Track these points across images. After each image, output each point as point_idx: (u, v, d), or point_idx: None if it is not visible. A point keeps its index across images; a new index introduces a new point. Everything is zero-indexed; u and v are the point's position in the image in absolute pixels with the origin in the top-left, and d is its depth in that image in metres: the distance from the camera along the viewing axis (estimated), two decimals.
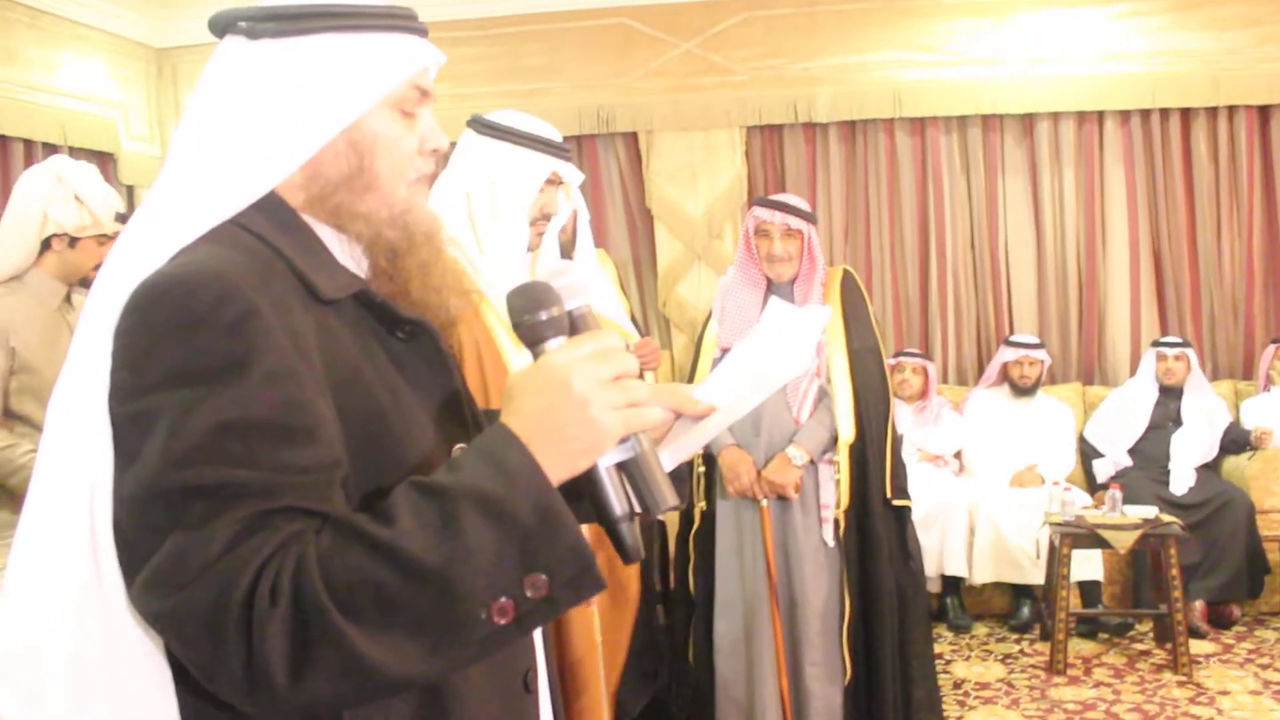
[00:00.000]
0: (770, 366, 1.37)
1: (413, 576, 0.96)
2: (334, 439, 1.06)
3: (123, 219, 3.28)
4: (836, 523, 3.56)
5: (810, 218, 3.65)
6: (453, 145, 2.03)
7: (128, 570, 1.03)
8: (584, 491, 1.09)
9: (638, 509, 1.11)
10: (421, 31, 1.23)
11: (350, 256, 1.21)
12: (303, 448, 1.02)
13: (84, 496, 1.06)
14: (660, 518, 1.41)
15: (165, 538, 0.97)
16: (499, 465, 1.01)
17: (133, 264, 1.08)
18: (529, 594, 0.99)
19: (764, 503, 3.55)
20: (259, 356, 1.01)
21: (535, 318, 1.10)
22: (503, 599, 0.98)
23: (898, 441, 3.75)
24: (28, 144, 5.57)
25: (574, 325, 1.14)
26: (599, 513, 1.10)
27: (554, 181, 2.65)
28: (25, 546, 1.10)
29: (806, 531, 3.58)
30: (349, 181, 1.17)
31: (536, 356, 1.11)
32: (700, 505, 3.72)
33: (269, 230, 1.14)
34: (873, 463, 3.60)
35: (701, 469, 3.69)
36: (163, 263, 1.07)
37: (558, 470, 1.03)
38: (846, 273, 3.75)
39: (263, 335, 1.02)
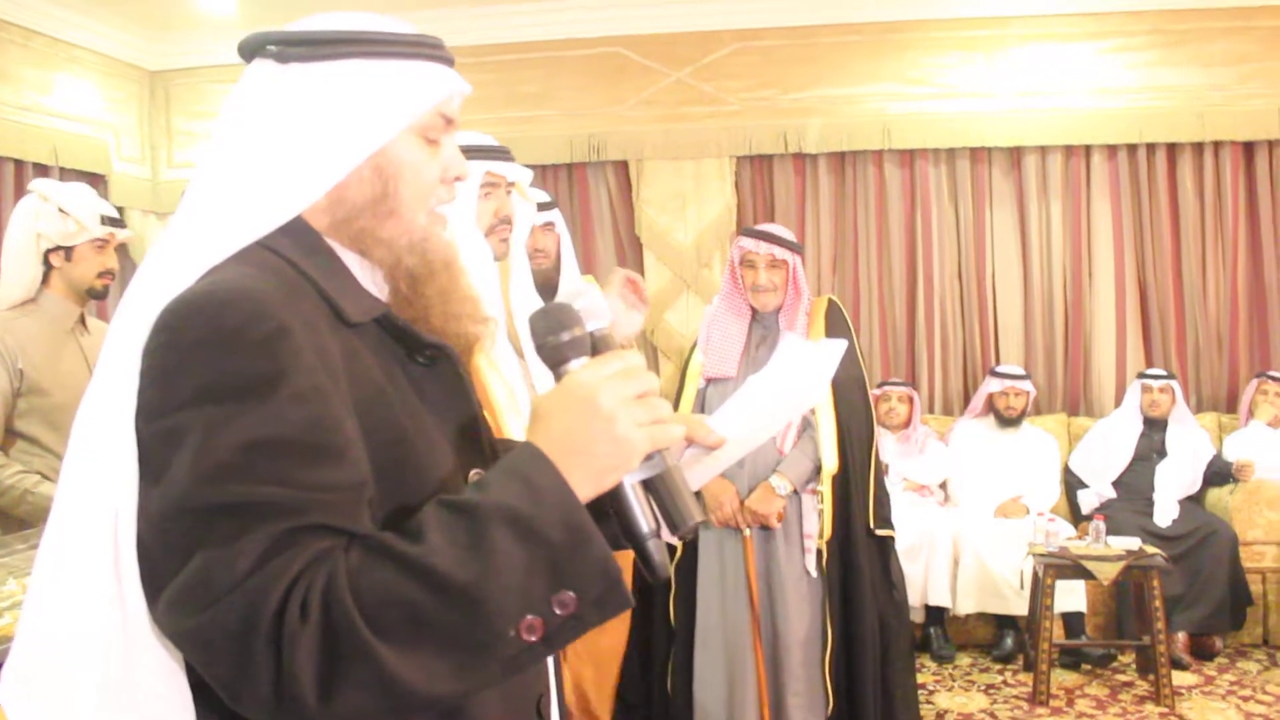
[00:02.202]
0: (784, 400, 1.41)
1: (443, 594, 0.96)
2: (361, 459, 1.06)
3: (111, 222, 3.32)
4: (819, 553, 3.57)
5: (796, 248, 3.68)
6: None
7: (151, 589, 1.02)
8: (608, 511, 1.10)
9: (664, 526, 1.11)
10: (448, 60, 1.24)
11: (372, 281, 1.22)
12: (331, 467, 1.02)
13: (108, 513, 1.06)
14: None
15: (191, 556, 0.97)
16: (528, 483, 1.02)
17: (161, 283, 1.09)
18: (557, 611, 1.00)
19: (747, 532, 3.56)
20: (289, 375, 1.01)
21: (558, 339, 1.13)
22: (531, 617, 0.99)
23: (881, 471, 3.77)
24: (18, 164, 5.58)
25: (595, 346, 1.17)
26: (625, 530, 1.11)
27: (496, 184, 2.62)
28: (48, 563, 1.10)
29: (789, 561, 3.58)
30: (373, 207, 1.18)
31: (559, 377, 1.13)
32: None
33: (296, 253, 1.14)
34: (856, 493, 3.61)
35: None
36: (191, 282, 1.08)
37: (585, 488, 1.04)
38: (831, 303, 3.77)
39: (292, 354, 1.02)
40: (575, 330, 1.13)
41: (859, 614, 3.58)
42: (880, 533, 3.64)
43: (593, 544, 1.01)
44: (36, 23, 5.68)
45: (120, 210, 6.24)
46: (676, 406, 3.85)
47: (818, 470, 3.58)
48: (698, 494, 1.26)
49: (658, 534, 1.11)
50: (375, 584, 0.97)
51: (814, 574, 3.58)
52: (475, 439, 1.26)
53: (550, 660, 1.32)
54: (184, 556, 0.98)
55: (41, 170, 5.67)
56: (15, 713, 1.11)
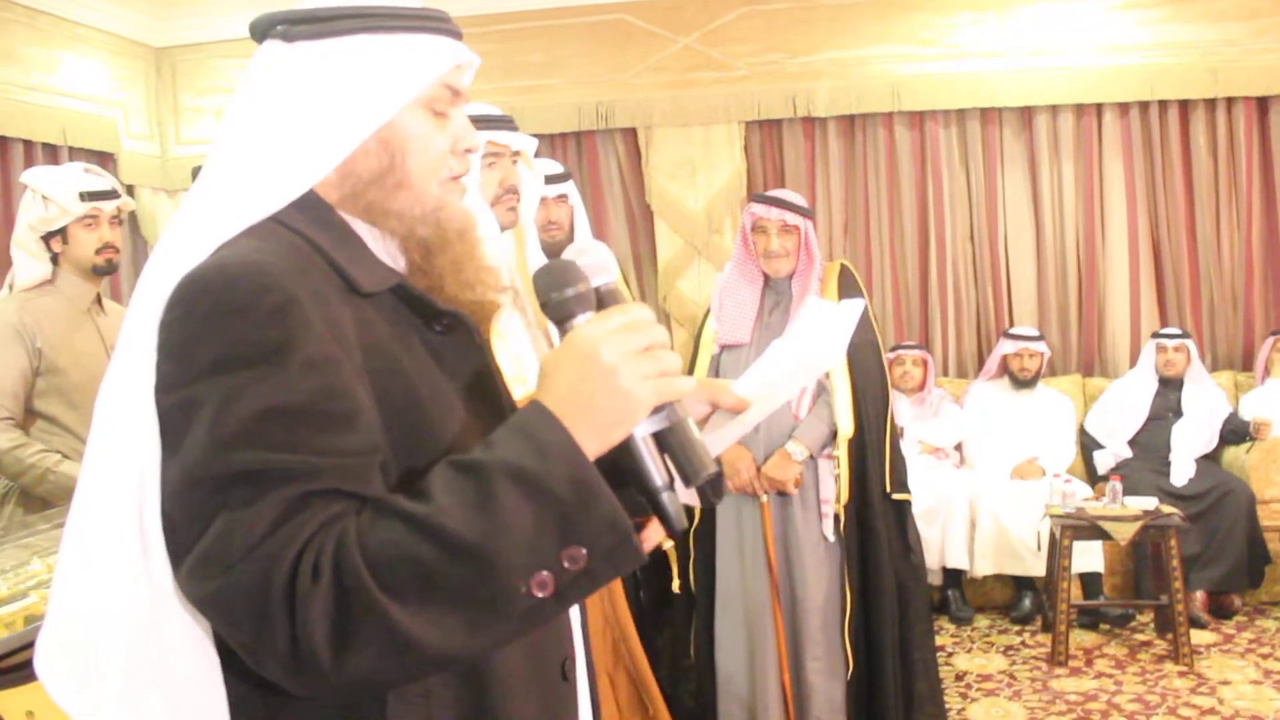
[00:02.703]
0: (805, 361, 1.41)
1: (452, 552, 0.97)
2: (372, 425, 1.07)
3: (96, 196, 3.30)
4: (836, 517, 3.57)
5: (807, 213, 3.66)
6: None
7: (175, 557, 1.05)
8: (623, 466, 1.10)
9: (678, 478, 1.11)
10: (454, 33, 1.25)
11: (386, 252, 1.24)
12: (343, 432, 1.04)
13: (133, 486, 1.09)
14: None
15: (211, 522, 0.99)
16: (533, 440, 1.02)
17: (176, 259, 1.11)
18: (567, 566, 1.00)
19: (764, 499, 3.56)
20: (299, 344, 1.03)
21: (562, 294, 1.12)
22: (542, 573, 1.00)
23: (897, 435, 3.77)
24: (27, 144, 5.59)
25: (601, 301, 1.15)
26: (638, 484, 1.10)
27: (500, 154, 2.61)
28: (76, 536, 1.14)
29: (806, 527, 3.59)
30: (380, 179, 1.19)
31: (565, 334, 1.12)
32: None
33: (308, 226, 1.16)
34: (872, 457, 3.61)
35: None
36: (205, 257, 1.10)
37: (592, 442, 1.04)
38: (844, 267, 3.76)
39: (301, 324, 1.04)
40: (579, 286, 1.12)
41: (877, 578, 3.59)
42: (897, 496, 3.64)
43: (600, 498, 1.02)
44: (41, 2, 5.66)
45: (130, 188, 6.27)
46: (690, 373, 3.84)
47: (834, 435, 3.58)
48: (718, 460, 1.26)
49: (671, 486, 1.11)
50: (385, 544, 0.98)
51: (831, 539, 3.58)
52: (495, 403, 1.27)
53: (578, 626, 1.34)
54: (204, 523, 1.00)
55: (51, 150, 5.67)
56: (51, 685, 1.15)
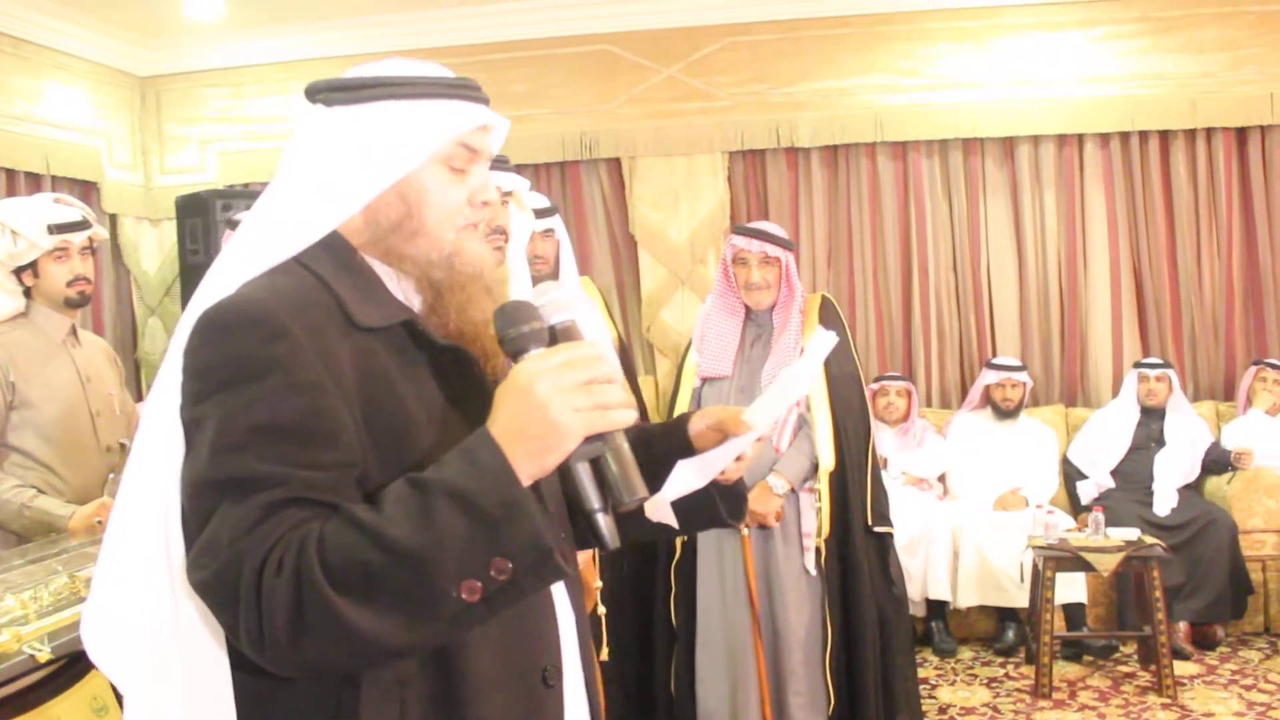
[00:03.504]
0: (794, 385, 1.56)
1: (393, 556, 1.12)
2: (352, 442, 1.23)
3: (65, 228, 3.26)
4: (818, 551, 3.57)
5: (788, 245, 3.67)
6: None
7: (187, 548, 1.23)
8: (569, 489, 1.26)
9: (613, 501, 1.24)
10: (475, 98, 1.39)
11: (402, 291, 1.39)
12: (323, 449, 1.20)
13: (161, 489, 1.28)
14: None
15: (210, 520, 1.17)
16: (473, 461, 1.16)
17: (209, 294, 1.30)
18: (495, 575, 1.13)
19: (745, 532, 3.56)
20: (289, 370, 1.20)
21: (518, 330, 1.25)
22: (471, 580, 1.13)
23: (878, 467, 3.76)
24: (10, 173, 5.59)
25: (555, 338, 1.26)
26: (575, 504, 1.26)
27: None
28: (116, 532, 1.35)
29: (788, 560, 3.58)
30: (399, 227, 1.35)
31: None
32: (682, 537, 3.71)
33: (327, 266, 1.33)
34: (853, 489, 3.61)
35: None
36: (229, 292, 1.28)
37: (528, 467, 1.17)
38: (825, 299, 3.76)
39: (290, 352, 1.21)
40: (533, 324, 1.25)
41: (859, 611, 3.58)
42: (878, 529, 3.64)
43: (526, 518, 1.14)
44: (25, 31, 5.66)
45: (113, 217, 6.25)
46: (673, 405, 3.84)
47: (815, 468, 3.58)
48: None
49: (606, 509, 1.24)
50: (339, 547, 1.13)
51: (813, 572, 3.57)
52: None
53: (573, 636, 1.44)
54: (205, 520, 1.18)
55: (34, 180, 5.66)
56: (96, 654, 1.37)
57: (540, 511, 1.16)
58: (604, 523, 1.24)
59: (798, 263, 3.75)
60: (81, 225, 3.30)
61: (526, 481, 1.16)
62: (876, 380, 5.88)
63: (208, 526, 1.17)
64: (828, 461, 3.56)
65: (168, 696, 1.32)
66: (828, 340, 1.62)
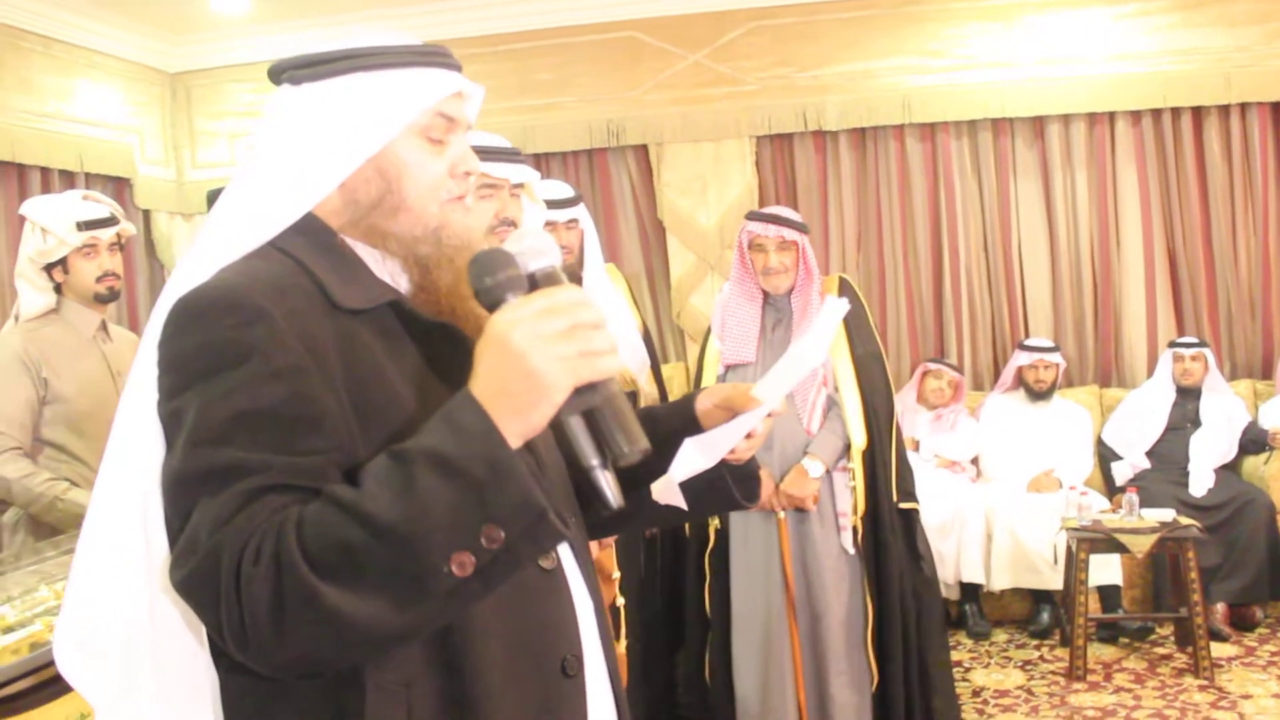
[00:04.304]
0: (806, 356, 1.46)
1: (375, 533, 1.04)
2: (337, 428, 1.16)
3: (94, 225, 3.31)
4: (854, 529, 3.56)
5: (803, 228, 3.66)
6: None
7: (171, 548, 1.15)
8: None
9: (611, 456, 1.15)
10: (448, 65, 1.33)
11: (388, 272, 1.32)
12: (305, 436, 1.13)
13: (139, 488, 1.22)
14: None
15: (190, 515, 1.11)
16: (454, 425, 1.08)
17: (182, 282, 1.23)
18: (486, 545, 1.05)
19: (781, 515, 3.55)
20: (267, 356, 1.14)
21: (494, 278, 1.15)
22: (461, 552, 1.05)
23: (903, 445, 3.76)
24: (44, 171, 5.64)
25: (535, 286, 1.17)
26: (572, 462, 1.17)
27: (496, 186, 2.60)
28: (92, 533, 1.28)
29: (825, 541, 3.57)
30: (379, 204, 1.29)
31: None
32: (714, 524, 3.71)
33: (305, 250, 1.26)
34: (882, 468, 3.61)
35: None
36: (203, 280, 1.21)
37: (515, 425, 1.08)
38: (843, 280, 3.76)
39: (269, 337, 1.14)
40: (509, 271, 1.15)
41: (888, 589, 3.58)
42: (904, 506, 3.62)
43: (513, 478, 1.06)
44: (56, 30, 5.72)
45: (146, 213, 6.32)
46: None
47: (847, 448, 3.58)
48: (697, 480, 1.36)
49: (606, 465, 1.14)
50: (318, 528, 1.06)
51: (851, 551, 3.57)
52: None
53: (593, 624, 1.36)
54: (186, 517, 1.11)
55: (68, 177, 5.72)
56: (68, 672, 1.29)
57: (532, 470, 1.08)
58: (604, 479, 1.14)
59: (814, 246, 3.73)
60: (109, 221, 3.35)
61: (515, 442, 1.08)
62: (932, 361, 5.87)
63: (188, 524, 1.10)
64: (860, 440, 3.56)
65: (143, 711, 1.26)
66: (838, 308, 1.52)
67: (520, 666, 1.25)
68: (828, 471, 3.57)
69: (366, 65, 1.28)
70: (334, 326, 1.21)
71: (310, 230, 1.28)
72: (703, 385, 3.77)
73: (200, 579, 1.08)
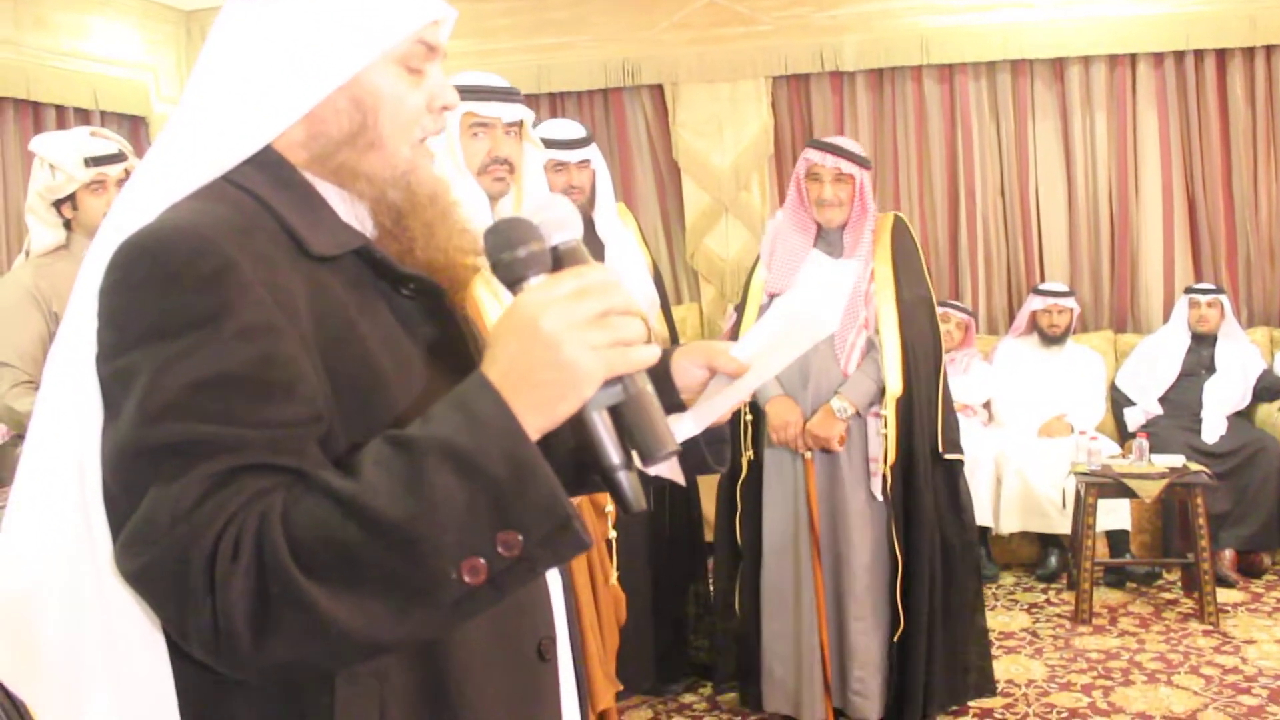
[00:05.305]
0: (801, 323, 1.34)
1: (377, 533, 0.92)
2: (314, 395, 1.02)
3: (102, 160, 3.32)
4: (884, 477, 3.52)
5: (864, 162, 3.58)
6: None
7: (115, 530, 1.01)
8: (584, 443, 1.04)
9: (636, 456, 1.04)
10: None
11: (355, 215, 1.17)
12: (278, 403, 0.99)
13: (75, 456, 1.05)
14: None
15: (144, 496, 0.96)
16: (470, 415, 0.95)
17: (124, 223, 1.06)
18: (502, 552, 0.94)
19: (808, 455, 3.53)
20: (235, 311, 0.99)
21: (513, 254, 1.03)
22: (474, 558, 0.93)
23: (949, 394, 3.68)
24: (60, 109, 5.65)
25: (559, 262, 1.06)
26: (594, 461, 1.03)
27: (489, 124, 2.56)
28: (20, 507, 1.10)
29: (854, 486, 3.53)
30: (352, 140, 1.13)
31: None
32: (748, 455, 3.65)
33: (264, 187, 1.11)
34: (920, 417, 3.54)
35: (749, 418, 3.61)
36: (150, 219, 1.05)
37: (536, 419, 0.96)
38: (898, 219, 3.68)
39: (238, 290, 0.99)
40: (532, 245, 1.03)
41: (918, 539, 3.52)
42: (949, 456, 3.58)
43: (538, 479, 0.94)
44: None
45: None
46: (739, 324, 3.78)
47: (881, 393, 3.49)
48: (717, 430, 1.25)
49: (629, 465, 1.03)
50: (309, 523, 0.94)
51: (879, 498, 3.52)
52: (464, 372, 1.13)
53: (561, 603, 1.28)
54: (137, 498, 0.96)
55: (83, 114, 5.73)
56: (7, 678, 1.14)
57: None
58: (626, 481, 1.03)
59: (873, 182, 3.62)
60: (118, 157, 3.36)
61: (534, 436, 0.96)
62: (940, 305, 5.83)
63: (141, 506, 0.96)
64: (895, 387, 3.46)
65: (91, 708, 1.09)
66: (827, 271, 1.42)
67: (499, 653, 1.16)
68: (858, 415, 3.51)
69: None
70: (303, 276, 1.07)
71: (269, 164, 1.12)
72: (744, 317, 3.72)
73: (161, 573, 0.94)
